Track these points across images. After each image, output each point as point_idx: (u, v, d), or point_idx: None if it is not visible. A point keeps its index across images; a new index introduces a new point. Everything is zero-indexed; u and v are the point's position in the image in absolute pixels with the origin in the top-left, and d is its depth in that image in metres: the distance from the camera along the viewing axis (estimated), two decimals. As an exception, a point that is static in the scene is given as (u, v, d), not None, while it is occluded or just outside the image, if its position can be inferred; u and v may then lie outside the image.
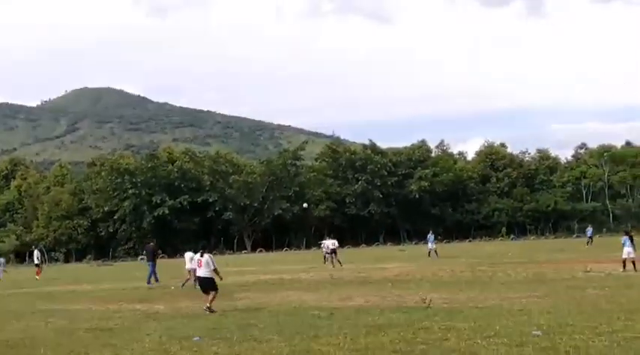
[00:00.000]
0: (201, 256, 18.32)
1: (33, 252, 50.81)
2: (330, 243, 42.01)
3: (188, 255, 28.01)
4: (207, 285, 18.15)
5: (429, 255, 45.91)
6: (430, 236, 48.15)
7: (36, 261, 47.62)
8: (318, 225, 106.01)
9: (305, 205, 70.28)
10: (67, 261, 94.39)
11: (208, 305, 17.85)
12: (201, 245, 19.91)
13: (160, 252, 34.67)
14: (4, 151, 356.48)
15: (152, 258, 33.03)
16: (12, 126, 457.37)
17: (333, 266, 38.69)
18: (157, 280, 31.82)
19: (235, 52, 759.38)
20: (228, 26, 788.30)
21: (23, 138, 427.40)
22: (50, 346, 13.05)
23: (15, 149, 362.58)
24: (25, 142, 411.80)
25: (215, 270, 18.31)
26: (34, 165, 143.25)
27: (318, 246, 55.96)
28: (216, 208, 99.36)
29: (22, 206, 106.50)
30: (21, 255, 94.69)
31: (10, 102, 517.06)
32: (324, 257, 42.87)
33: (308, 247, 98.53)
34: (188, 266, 19.43)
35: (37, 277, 43.07)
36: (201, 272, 18.17)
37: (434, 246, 47.22)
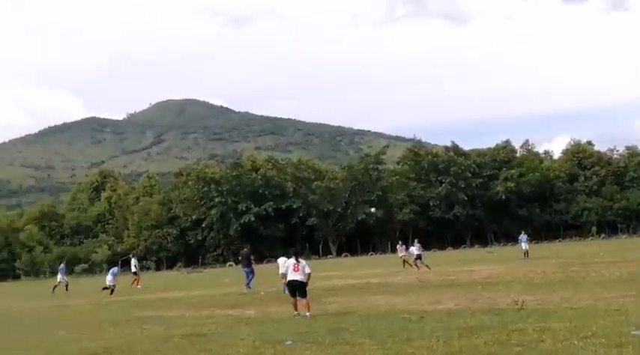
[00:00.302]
0: (297, 261, 18.43)
1: (130, 260, 51.85)
2: (414, 249, 42.03)
3: (281, 260, 28.46)
4: (300, 289, 18.27)
5: (524, 256, 44.95)
6: (523, 236, 47.35)
7: (133, 270, 48.51)
8: (403, 228, 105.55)
9: (373, 210, 70.04)
10: (158, 269, 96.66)
11: (309, 312, 17.89)
12: (293, 251, 19.96)
13: (253, 258, 34.97)
14: (93, 164, 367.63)
15: (248, 264, 33.33)
16: (100, 140, 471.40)
17: (418, 269, 38.63)
18: (248, 286, 32.20)
19: (313, 59, 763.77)
20: (306, 33, 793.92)
21: (111, 151, 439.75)
22: (147, 352, 13.38)
23: (103, 162, 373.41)
24: (113, 155, 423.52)
25: (309, 276, 18.43)
26: (123, 177, 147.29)
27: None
28: (300, 214, 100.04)
29: (112, 217, 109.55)
30: (113, 264, 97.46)
31: (97, 116, 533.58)
32: (404, 262, 42.98)
33: (393, 251, 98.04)
34: (282, 270, 19.66)
35: (138, 286, 43.78)
36: (297, 277, 18.23)
37: (527, 247, 46.49)
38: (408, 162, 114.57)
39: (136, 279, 46.01)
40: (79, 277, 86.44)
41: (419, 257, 41.04)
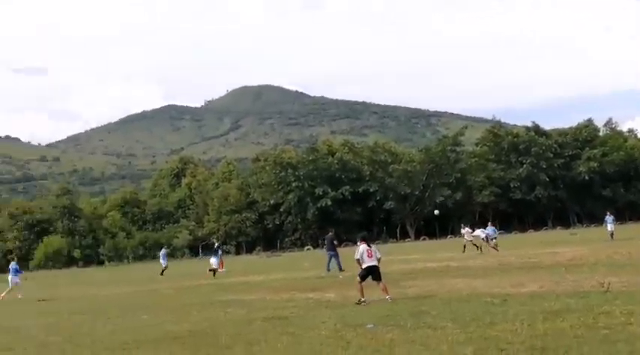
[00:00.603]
0: (369, 246, 18.30)
1: (214, 245, 53.32)
2: (479, 231, 42.07)
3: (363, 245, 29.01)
4: (376, 273, 18.11)
5: (610, 238, 43.70)
6: (609, 217, 45.95)
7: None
8: (482, 211, 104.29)
9: (436, 212, 68.98)
10: (237, 253, 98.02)
11: (389, 295, 17.74)
12: (361, 236, 19.78)
13: (336, 242, 34.92)
14: (172, 151, 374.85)
15: (332, 247, 33.44)
16: (179, 127, 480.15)
17: (481, 252, 39.57)
18: (328, 270, 32.38)
19: (388, 41, 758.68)
20: (379, 16, 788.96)
21: (190, 137, 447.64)
22: (230, 335, 13.51)
23: (183, 148, 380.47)
24: (192, 141, 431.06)
25: (379, 260, 18.27)
26: (202, 163, 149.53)
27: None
28: (377, 198, 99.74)
29: (192, 202, 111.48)
30: (194, 250, 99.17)
31: (176, 103, 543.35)
32: (464, 246, 42.32)
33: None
34: (357, 256, 19.51)
35: (222, 269, 45.18)
36: (373, 262, 18.02)
37: (613, 228, 45.23)
38: (488, 144, 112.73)
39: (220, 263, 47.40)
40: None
41: (486, 239, 41.14)
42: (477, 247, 41.55)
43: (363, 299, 17.66)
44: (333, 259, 32.85)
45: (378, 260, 18.16)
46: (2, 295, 30.38)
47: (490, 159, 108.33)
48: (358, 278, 18.01)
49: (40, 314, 21.95)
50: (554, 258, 30.46)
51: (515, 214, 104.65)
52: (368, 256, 17.97)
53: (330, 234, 35.17)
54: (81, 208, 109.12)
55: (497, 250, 39.59)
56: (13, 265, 32.54)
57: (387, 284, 18.28)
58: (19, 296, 30.57)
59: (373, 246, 18.23)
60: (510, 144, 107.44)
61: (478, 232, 42.73)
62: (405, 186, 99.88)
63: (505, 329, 11.64)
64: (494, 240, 42.31)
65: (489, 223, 46.78)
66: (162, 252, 48.38)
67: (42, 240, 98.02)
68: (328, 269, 32.35)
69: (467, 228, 45.01)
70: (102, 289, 35.21)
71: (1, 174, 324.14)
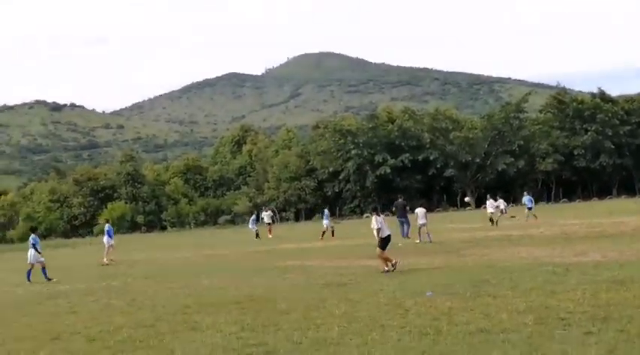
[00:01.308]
0: (379, 215, 18.43)
1: (263, 213, 54.11)
2: (501, 202, 41.24)
3: (420, 211, 30.14)
4: (388, 243, 18.30)
5: None
6: None
7: (266, 221, 50.58)
8: (545, 179, 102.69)
9: (467, 199, 67.76)
10: (297, 219, 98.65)
11: (393, 265, 17.83)
12: (373, 207, 20.10)
13: (408, 208, 34.48)
14: (234, 118, 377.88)
15: (403, 214, 33.06)
16: (240, 95, 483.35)
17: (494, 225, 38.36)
18: (403, 236, 31.86)
19: (448, 6, 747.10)
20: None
21: (251, 105, 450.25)
22: (290, 300, 13.64)
23: (243, 116, 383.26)
24: (252, 109, 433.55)
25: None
26: (262, 131, 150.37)
27: (544, 200, 53.89)
28: (438, 165, 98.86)
29: (253, 169, 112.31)
30: (255, 215, 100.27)
31: (237, 71, 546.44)
32: (491, 219, 40.01)
33: (535, 202, 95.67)
34: (377, 226, 19.27)
35: (270, 235, 45.92)
36: (390, 232, 18.33)
37: None
38: (552, 110, 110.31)
39: (269, 229, 48.27)
40: (223, 228, 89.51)
41: (503, 211, 41.23)
42: (492, 222, 39.02)
43: (393, 263, 17.77)
44: (404, 226, 32.52)
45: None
46: (104, 260, 30.77)
47: (554, 126, 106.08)
48: (379, 249, 18.10)
49: (104, 278, 22.49)
50: (618, 228, 29.85)
51: (579, 182, 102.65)
52: (387, 226, 18.25)
53: (401, 200, 34.60)
54: (144, 175, 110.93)
55: (536, 217, 40.15)
56: (107, 227, 32.64)
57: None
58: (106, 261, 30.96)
59: (383, 216, 18.44)
60: (575, 111, 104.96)
61: (499, 203, 41.42)
62: (466, 154, 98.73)
63: (566, 299, 11.49)
64: (531, 209, 42.30)
65: (525, 193, 45.62)
66: (253, 217, 48.74)
67: (106, 206, 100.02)
68: (404, 236, 31.92)
69: (491, 200, 42.39)
70: (164, 254, 35.87)
71: (67, 141, 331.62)
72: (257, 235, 45.03)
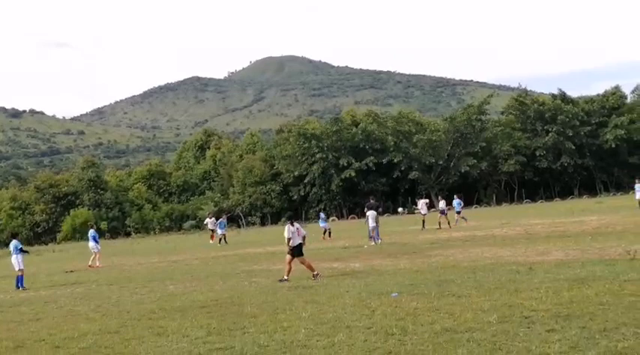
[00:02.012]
0: (294, 226, 18.68)
1: (207, 219, 54.53)
2: (442, 204, 41.11)
3: (371, 213, 30.77)
4: (301, 250, 18.51)
5: (639, 206, 42.86)
6: (638, 185, 44.81)
7: (209, 227, 51.00)
8: (508, 180, 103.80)
9: (400, 210, 68.18)
10: (263, 224, 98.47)
11: (315, 273, 17.98)
12: (288, 216, 20.53)
13: (380, 209, 35.00)
14: (196, 123, 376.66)
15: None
16: (202, 99, 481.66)
17: (439, 227, 38.91)
18: (372, 239, 31.80)
19: (411, 8, 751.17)
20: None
21: (214, 109, 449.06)
22: (256, 303, 13.63)
23: (207, 120, 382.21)
24: (215, 113, 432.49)
25: (304, 238, 18.75)
26: (226, 135, 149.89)
27: (507, 201, 54.12)
28: (402, 168, 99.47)
29: (217, 174, 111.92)
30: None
31: (199, 75, 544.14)
32: (423, 222, 40.38)
33: (498, 203, 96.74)
34: (288, 235, 19.51)
35: (211, 241, 46.33)
36: (301, 240, 18.54)
37: None
38: (513, 112, 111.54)
39: (212, 236, 48.89)
40: (188, 233, 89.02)
41: (442, 212, 40.40)
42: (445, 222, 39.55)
43: (315, 274, 17.93)
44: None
45: (303, 238, 18.65)
46: (95, 264, 30.52)
47: (516, 127, 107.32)
48: (288, 256, 18.34)
49: (68, 285, 22.24)
50: (580, 227, 30.29)
51: (542, 183, 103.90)
52: (298, 235, 18.49)
53: (373, 201, 33.59)
54: (107, 181, 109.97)
55: (466, 221, 40.66)
56: (92, 233, 32.11)
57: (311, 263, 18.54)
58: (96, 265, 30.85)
59: (297, 225, 18.72)
60: (536, 113, 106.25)
61: (441, 204, 41.42)
62: (429, 156, 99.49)
63: (530, 297, 11.64)
64: (459, 213, 42.30)
65: (455, 196, 45.68)
66: (220, 220, 48.13)
67: (69, 213, 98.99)
68: (372, 239, 31.57)
69: (422, 200, 43.26)
70: (129, 260, 35.58)
71: (27, 147, 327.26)
72: (220, 241, 44.57)
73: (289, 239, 18.28)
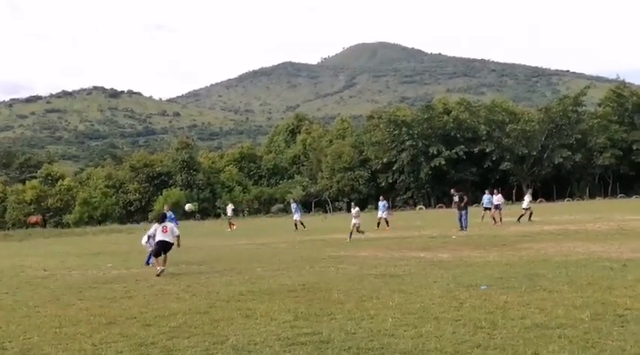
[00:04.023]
0: (160, 223, 19.35)
1: (228, 207, 55.31)
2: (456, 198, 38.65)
3: (355, 211, 31.77)
4: (167, 249, 18.94)
5: None
6: None
7: (228, 214, 51.54)
8: (602, 173, 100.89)
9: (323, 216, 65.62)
10: (348, 210, 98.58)
11: (161, 268, 18.47)
12: (161, 214, 21.24)
13: (465, 198, 34.39)
14: (288, 108, 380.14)
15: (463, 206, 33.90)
16: (295, 84, 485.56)
17: (495, 223, 36.85)
18: (462, 227, 32.95)
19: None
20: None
21: (305, 94, 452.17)
22: (343, 290, 13.67)
23: (298, 105, 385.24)
24: (307, 98, 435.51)
25: (178, 237, 19.22)
26: (317, 120, 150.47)
27: (601, 195, 51.42)
28: (494, 158, 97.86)
29: (307, 159, 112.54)
30: (307, 205, 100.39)
31: (292, 61, 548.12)
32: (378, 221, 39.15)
33: (592, 197, 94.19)
34: (150, 232, 19.76)
35: (229, 229, 46.67)
36: (167, 238, 18.95)
37: None
38: (610, 104, 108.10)
39: (231, 223, 50.53)
40: (276, 216, 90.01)
41: (497, 207, 38.31)
42: (360, 232, 31.53)
43: (161, 268, 18.45)
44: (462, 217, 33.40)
45: (177, 237, 19.18)
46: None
47: (612, 120, 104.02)
48: (153, 257, 19.17)
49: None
50: (679, 225, 29.23)
51: (638, 178, 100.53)
52: (163, 232, 18.99)
53: (454, 191, 36.29)
54: (199, 162, 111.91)
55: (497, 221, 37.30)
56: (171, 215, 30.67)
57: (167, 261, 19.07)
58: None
59: (169, 224, 19.39)
60: (634, 105, 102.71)
61: (498, 198, 39.12)
62: (522, 147, 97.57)
63: (624, 295, 11.34)
64: (489, 209, 39.56)
65: (487, 192, 42.44)
66: (294, 206, 46.87)
67: (161, 193, 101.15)
68: (462, 228, 33.04)
69: (528, 195, 40.81)
70: (218, 241, 36.22)
71: (124, 127, 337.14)
72: (296, 225, 43.46)
73: (149, 236, 19.59)
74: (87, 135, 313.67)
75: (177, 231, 19.59)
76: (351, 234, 29.93)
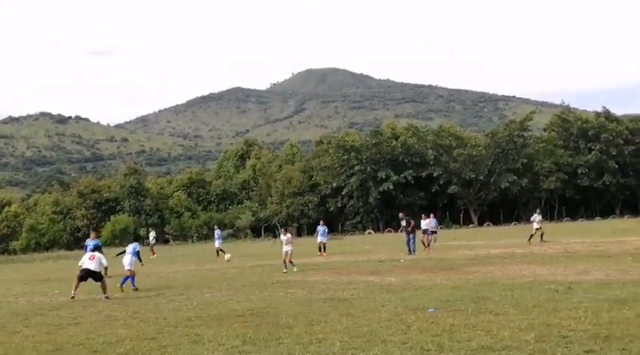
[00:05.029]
0: (95, 253, 20.17)
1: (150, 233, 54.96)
2: (425, 223, 38.14)
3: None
4: (94, 276, 19.55)
5: None
6: None
7: (151, 241, 51.43)
8: (548, 197, 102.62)
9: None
10: (299, 235, 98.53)
11: (106, 294, 19.24)
12: (92, 243, 23.67)
13: (412, 222, 34.54)
14: (238, 133, 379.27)
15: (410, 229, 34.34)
16: (244, 110, 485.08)
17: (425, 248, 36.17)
18: (410, 251, 33.30)
19: (453, 23, 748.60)
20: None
21: (255, 119, 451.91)
22: (291, 314, 13.65)
23: (248, 130, 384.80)
24: (256, 124, 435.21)
25: (106, 268, 20.52)
26: (266, 145, 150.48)
27: (547, 219, 51.87)
28: (441, 182, 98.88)
29: (256, 184, 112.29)
30: (257, 230, 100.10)
31: (242, 86, 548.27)
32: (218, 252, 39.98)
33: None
34: (80, 262, 20.53)
35: (152, 257, 46.49)
36: (92, 266, 19.53)
37: None
38: (556, 129, 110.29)
39: (153, 251, 49.89)
40: (225, 241, 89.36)
41: (431, 232, 38.26)
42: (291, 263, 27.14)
43: (73, 294, 19.41)
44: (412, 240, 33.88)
45: (105, 268, 20.50)
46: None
47: (558, 144, 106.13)
48: (77, 279, 19.77)
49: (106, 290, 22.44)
50: (621, 247, 29.87)
51: (583, 201, 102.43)
52: (90, 259, 19.65)
53: (402, 215, 36.45)
54: (148, 188, 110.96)
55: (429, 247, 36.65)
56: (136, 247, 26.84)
57: (106, 286, 19.63)
58: None
59: (99, 254, 20.13)
60: (579, 130, 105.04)
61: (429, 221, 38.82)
62: (469, 171, 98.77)
63: (568, 317, 11.51)
64: (433, 234, 39.07)
65: (432, 215, 42.52)
66: (217, 232, 44.93)
67: (109, 219, 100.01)
68: (410, 252, 33.41)
69: (537, 215, 39.52)
70: (166, 267, 35.84)
71: (71, 153, 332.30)
72: (218, 253, 41.48)
73: (80, 265, 19.97)
74: (34, 162, 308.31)
75: (105, 262, 20.04)
76: (284, 263, 26.71)
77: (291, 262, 26.49)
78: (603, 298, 13.64)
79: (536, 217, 39.58)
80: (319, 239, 38.71)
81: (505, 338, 9.91)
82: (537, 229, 38.36)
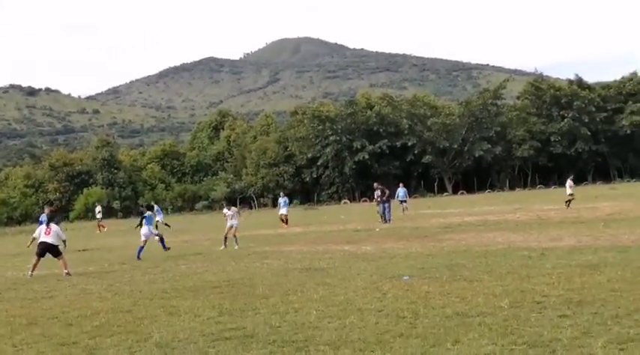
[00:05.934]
0: (48, 226, 19.42)
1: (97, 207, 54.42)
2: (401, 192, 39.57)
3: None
4: (52, 251, 19.07)
5: None
6: None
7: (98, 216, 51.08)
8: (522, 165, 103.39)
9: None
10: (274, 206, 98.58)
11: (66, 270, 18.64)
12: (51, 216, 21.69)
13: (386, 192, 34.91)
14: (211, 104, 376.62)
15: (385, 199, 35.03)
16: (217, 80, 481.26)
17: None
18: (385, 220, 33.69)
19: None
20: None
21: (228, 90, 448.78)
22: (268, 284, 13.68)
23: (221, 101, 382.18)
24: (230, 94, 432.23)
25: (64, 241, 19.72)
26: (240, 116, 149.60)
27: (520, 186, 52.31)
28: (416, 151, 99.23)
29: (231, 155, 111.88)
30: (232, 201, 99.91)
31: (215, 56, 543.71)
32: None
33: (512, 188, 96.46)
34: (34, 235, 20.30)
35: (98, 231, 46.21)
36: (49, 239, 19.06)
37: None
38: (529, 97, 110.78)
39: (100, 225, 49.91)
40: (200, 214, 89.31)
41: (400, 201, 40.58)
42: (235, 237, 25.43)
43: (31, 273, 18.82)
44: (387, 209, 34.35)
45: (64, 241, 19.65)
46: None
47: (531, 112, 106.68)
48: (36, 256, 19.17)
49: (80, 264, 22.37)
50: (593, 213, 30.24)
51: (556, 169, 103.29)
52: (45, 234, 19.13)
53: (376, 184, 37.31)
54: (120, 160, 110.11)
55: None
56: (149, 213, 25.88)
57: (66, 261, 19.16)
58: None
59: (55, 226, 19.41)
60: (552, 98, 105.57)
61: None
62: (443, 140, 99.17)
63: (542, 283, 11.63)
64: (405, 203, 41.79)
65: (401, 185, 43.43)
66: (157, 208, 38.40)
67: (82, 192, 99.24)
68: (385, 220, 33.74)
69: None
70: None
71: (42, 126, 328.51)
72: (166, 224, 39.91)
73: (34, 238, 19.62)
74: (4, 135, 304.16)
75: (63, 235, 19.62)
76: (225, 238, 25.24)
77: (235, 236, 24.98)
78: (575, 264, 13.80)
79: (570, 182, 39.93)
80: (280, 211, 38.38)
81: (479, 305, 10.00)
82: (570, 195, 38.40)
